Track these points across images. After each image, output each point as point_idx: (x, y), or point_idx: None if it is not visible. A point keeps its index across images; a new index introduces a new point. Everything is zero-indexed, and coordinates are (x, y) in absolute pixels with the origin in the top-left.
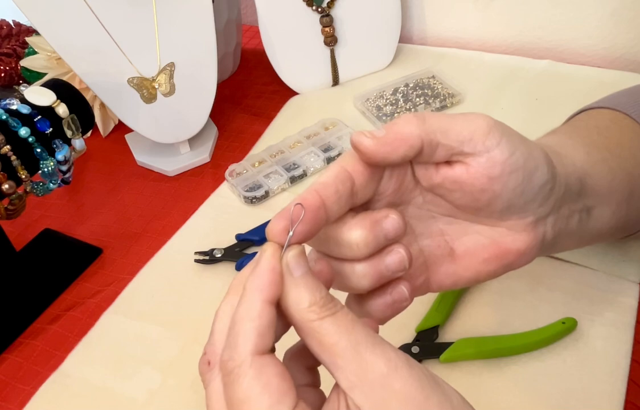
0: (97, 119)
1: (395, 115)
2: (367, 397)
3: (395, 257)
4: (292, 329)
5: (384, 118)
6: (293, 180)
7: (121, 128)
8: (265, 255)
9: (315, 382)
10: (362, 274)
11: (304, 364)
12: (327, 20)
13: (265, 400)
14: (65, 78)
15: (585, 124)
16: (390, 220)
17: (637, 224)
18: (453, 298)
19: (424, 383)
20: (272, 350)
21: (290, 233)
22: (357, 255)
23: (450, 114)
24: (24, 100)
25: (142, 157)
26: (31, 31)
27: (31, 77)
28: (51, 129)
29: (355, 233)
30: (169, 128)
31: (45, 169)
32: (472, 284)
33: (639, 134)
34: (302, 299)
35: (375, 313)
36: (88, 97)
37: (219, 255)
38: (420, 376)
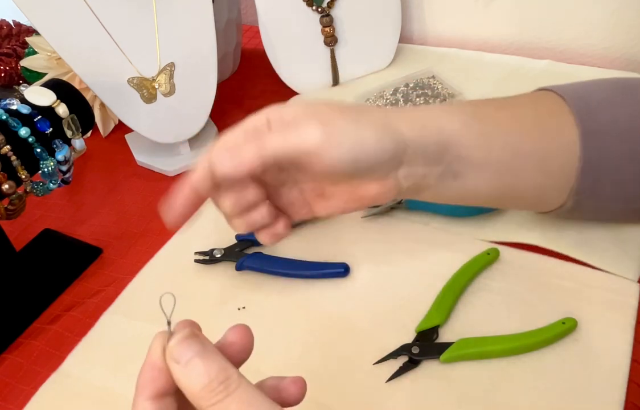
0: (97, 119)
1: None
2: None
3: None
4: None
5: None
6: None
7: (121, 128)
8: (150, 349)
9: None
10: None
11: None
12: (327, 20)
13: None
14: (65, 78)
15: (512, 102)
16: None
17: (538, 205)
18: (453, 298)
19: None
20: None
21: (169, 323)
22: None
23: (287, 130)
24: (24, 100)
25: (142, 157)
26: (31, 31)
27: (31, 77)
28: (51, 129)
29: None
30: (169, 128)
31: (45, 169)
32: (345, 213)
33: (556, 114)
34: (192, 384)
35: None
36: (88, 97)
37: (219, 256)
38: None
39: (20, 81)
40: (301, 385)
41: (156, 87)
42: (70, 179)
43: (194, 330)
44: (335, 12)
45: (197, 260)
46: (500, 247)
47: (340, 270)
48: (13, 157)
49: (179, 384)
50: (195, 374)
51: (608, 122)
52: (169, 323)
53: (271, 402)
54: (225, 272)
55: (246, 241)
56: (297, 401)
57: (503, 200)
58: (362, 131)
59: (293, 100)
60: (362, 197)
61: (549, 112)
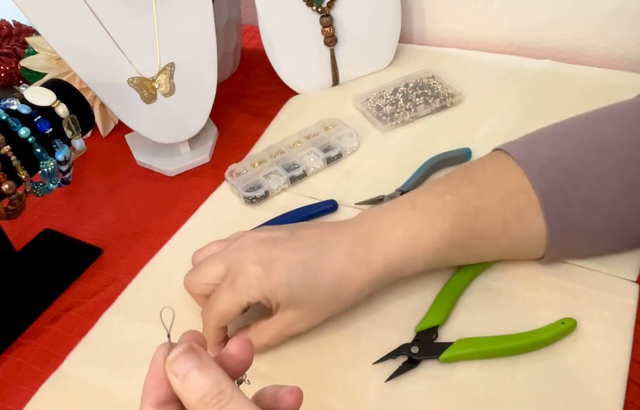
0: (97, 119)
1: (395, 115)
2: None
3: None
4: None
5: (383, 118)
6: (293, 180)
7: (121, 128)
8: (153, 359)
9: None
10: None
11: None
12: (327, 20)
13: None
14: (65, 78)
15: (469, 209)
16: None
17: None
18: (453, 298)
19: None
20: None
21: (169, 336)
22: None
23: (274, 327)
24: (24, 100)
25: (142, 157)
26: (31, 31)
27: (31, 77)
28: (51, 129)
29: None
30: (169, 128)
31: (45, 169)
32: None
33: (524, 209)
34: (189, 397)
35: None
36: (88, 97)
37: None
38: None
39: (20, 81)
40: (297, 396)
41: (156, 87)
42: (70, 179)
43: (192, 345)
44: (335, 12)
45: None
46: None
47: None
48: (13, 157)
49: (178, 395)
50: (191, 388)
51: (574, 192)
52: (168, 336)
53: None
54: None
55: None
56: None
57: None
58: (339, 310)
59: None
60: None
61: (517, 213)
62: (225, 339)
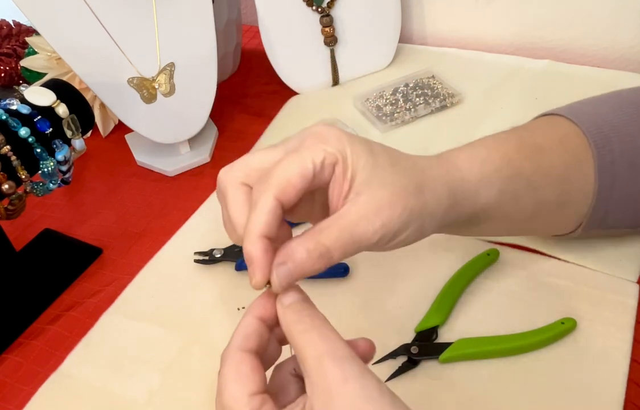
0: (97, 119)
1: (395, 115)
2: (319, 400)
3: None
4: None
5: (383, 118)
6: None
7: (121, 128)
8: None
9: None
10: None
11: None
12: (327, 20)
13: (234, 384)
14: (65, 78)
15: (532, 142)
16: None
17: (546, 235)
18: (453, 298)
19: (372, 395)
20: (258, 353)
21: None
22: None
23: (344, 219)
24: (24, 100)
25: (142, 157)
26: (31, 31)
27: (31, 77)
28: (51, 129)
29: None
30: (169, 128)
31: (45, 169)
32: None
33: (580, 156)
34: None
35: None
36: (88, 97)
37: (219, 256)
38: (370, 391)
39: (20, 81)
40: (371, 344)
41: (156, 87)
42: (70, 179)
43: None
44: (335, 12)
45: (196, 260)
46: (500, 247)
47: (340, 271)
48: (13, 157)
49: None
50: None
51: (620, 152)
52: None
53: (336, 342)
54: (225, 272)
55: None
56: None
57: (512, 235)
58: (422, 228)
59: (325, 130)
60: None
61: (576, 158)
62: (284, 236)
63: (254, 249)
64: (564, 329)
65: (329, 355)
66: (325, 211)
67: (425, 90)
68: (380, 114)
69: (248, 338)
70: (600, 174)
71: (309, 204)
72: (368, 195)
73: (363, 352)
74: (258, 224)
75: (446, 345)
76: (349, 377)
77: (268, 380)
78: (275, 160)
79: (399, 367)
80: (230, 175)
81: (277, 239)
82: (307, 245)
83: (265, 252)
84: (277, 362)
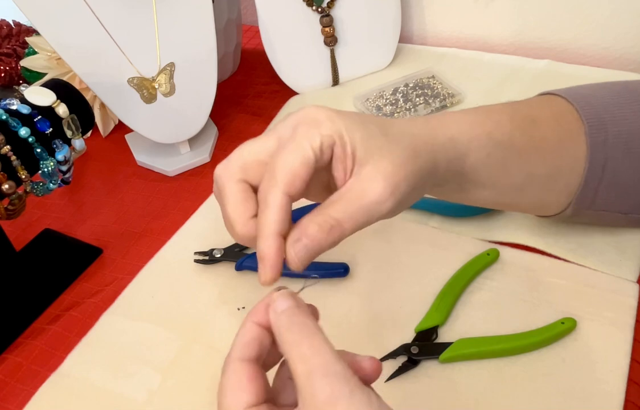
0: (97, 119)
1: (395, 115)
2: None
3: None
4: None
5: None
6: None
7: (121, 128)
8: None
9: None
10: None
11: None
12: (327, 20)
13: (231, 396)
14: (65, 78)
15: (526, 114)
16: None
17: (536, 212)
18: (453, 298)
19: None
20: (259, 359)
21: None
22: None
23: (352, 192)
24: (24, 100)
25: (142, 157)
26: (31, 31)
27: (31, 77)
28: (51, 129)
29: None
30: (169, 128)
31: (45, 169)
32: None
33: (573, 132)
34: (279, 303)
35: None
36: (88, 97)
37: (219, 256)
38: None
39: (20, 81)
40: (377, 365)
41: (156, 87)
42: (70, 179)
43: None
44: (335, 12)
45: (196, 260)
46: (500, 247)
47: (340, 270)
48: (13, 157)
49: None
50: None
51: (615, 134)
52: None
53: (329, 357)
54: (225, 272)
55: None
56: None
57: (501, 207)
58: (420, 189)
59: (317, 111)
60: None
61: (568, 133)
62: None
63: (267, 248)
64: (564, 329)
65: (319, 371)
66: (324, 188)
67: (425, 90)
68: (380, 114)
69: (247, 346)
70: (591, 152)
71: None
72: (371, 166)
73: (368, 373)
74: (271, 222)
75: (446, 345)
76: (339, 397)
77: (275, 375)
78: (271, 150)
79: (399, 367)
80: (227, 171)
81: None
82: (317, 220)
83: (279, 250)
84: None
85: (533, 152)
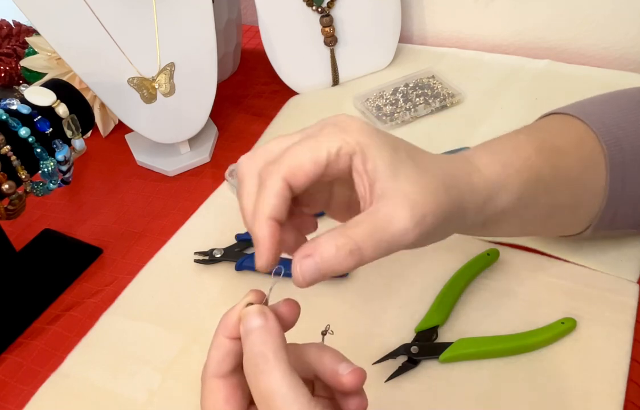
0: (97, 119)
1: (395, 115)
2: None
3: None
4: None
5: (383, 118)
6: None
7: (121, 128)
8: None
9: None
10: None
11: None
12: (327, 20)
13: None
14: (65, 78)
15: (551, 145)
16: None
17: (555, 235)
18: (453, 298)
19: None
20: (236, 370)
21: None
22: None
23: (377, 217)
24: (24, 100)
25: (142, 157)
26: (31, 31)
27: (31, 77)
28: (51, 129)
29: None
30: (169, 128)
31: (45, 169)
32: None
33: (595, 159)
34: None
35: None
36: (88, 97)
37: (219, 256)
38: None
39: (20, 81)
40: (358, 377)
41: (156, 87)
42: (70, 179)
43: (263, 308)
44: (335, 12)
45: (197, 260)
46: (500, 247)
47: None
48: (13, 157)
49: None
50: (247, 345)
51: (631, 153)
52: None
53: (301, 392)
54: (225, 272)
55: (246, 241)
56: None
57: (521, 236)
58: (446, 227)
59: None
60: None
61: (590, 159)
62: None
63: (260, 231)
64: (564, 329)
65: (282, 405)
66: (345, 207)
67: (425, 90)
68: (380, 114)
69: (222, 363)
70: (611, 175)
71: (325, 194)
72: (399, 192)
73: (347, 389)
74: (266, 205)
75: (446, 345)
76: None
77: None
78: None
79: (399, 367)
80: (250, 163)
81: (300, 228)
82: (336, 241)
83: (272, 234)
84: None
85: (559, 184)
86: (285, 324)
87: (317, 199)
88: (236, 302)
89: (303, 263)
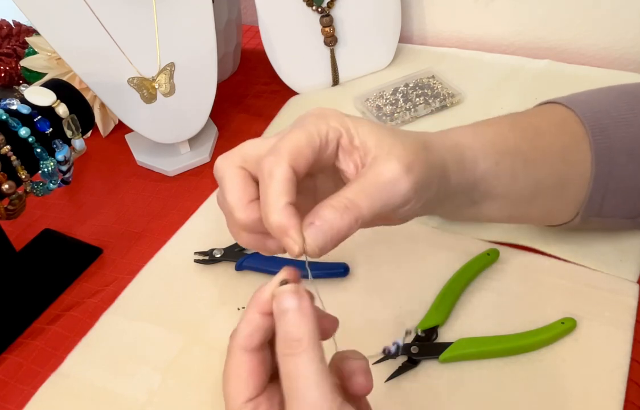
0: (97, 119)
1: (395, 115)
2: None
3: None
4: None
5: (383, 118)
6: None
7: (121, 128)
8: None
9: None
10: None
11: None
12: (327, 20)
13: (232, 387)
14: (65, 78)
15: (527, 124)
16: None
17: (545, 223)
18: (453, 298)
19: None
20: (264, 345)
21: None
22: None
23: (369, 174)
24: (24, 100)
25: (142, 157)
26: (31, 31)
27: (31, 77)
28: (51, 129)
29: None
30: (169, 128)
31: (45, 169)
32: None
33: (577, 139)
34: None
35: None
36: (88, 97)
37: (219, 256)
38: None
39: (20, 81)
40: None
41: (156, 87)
42: (70, 179)
43: (299, 288)
44: (335, 12)
45: (197, 260)
46: (500, 247)
47: (340, 270)
48: (13, 157)
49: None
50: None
51: (619, 139)
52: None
53: (330, 387)
54: (225, 272)
55: None
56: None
57: (512, 221)
58: (433, 185)
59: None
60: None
61: (573, 140)
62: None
63: (283, 219)
64: (564, 329)
65: (299, 395)
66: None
67: (425, 90)
68: (380, 114)
69: (251, 337)
70: (597, 159)
71: (311, 189)
72: (385, 153)
73: (357, 391)
74: (280, 192)
75: (446, 345)
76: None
77: None
78: (272, 147)
79: (399, 367)
80: (227, 159)
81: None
82: (332, 201)
83: (295, 215)
84: None
85: (539, 160)
86: (325, 334)
87: (304, 195)
88: (267, 283)
89: (308, 232)
